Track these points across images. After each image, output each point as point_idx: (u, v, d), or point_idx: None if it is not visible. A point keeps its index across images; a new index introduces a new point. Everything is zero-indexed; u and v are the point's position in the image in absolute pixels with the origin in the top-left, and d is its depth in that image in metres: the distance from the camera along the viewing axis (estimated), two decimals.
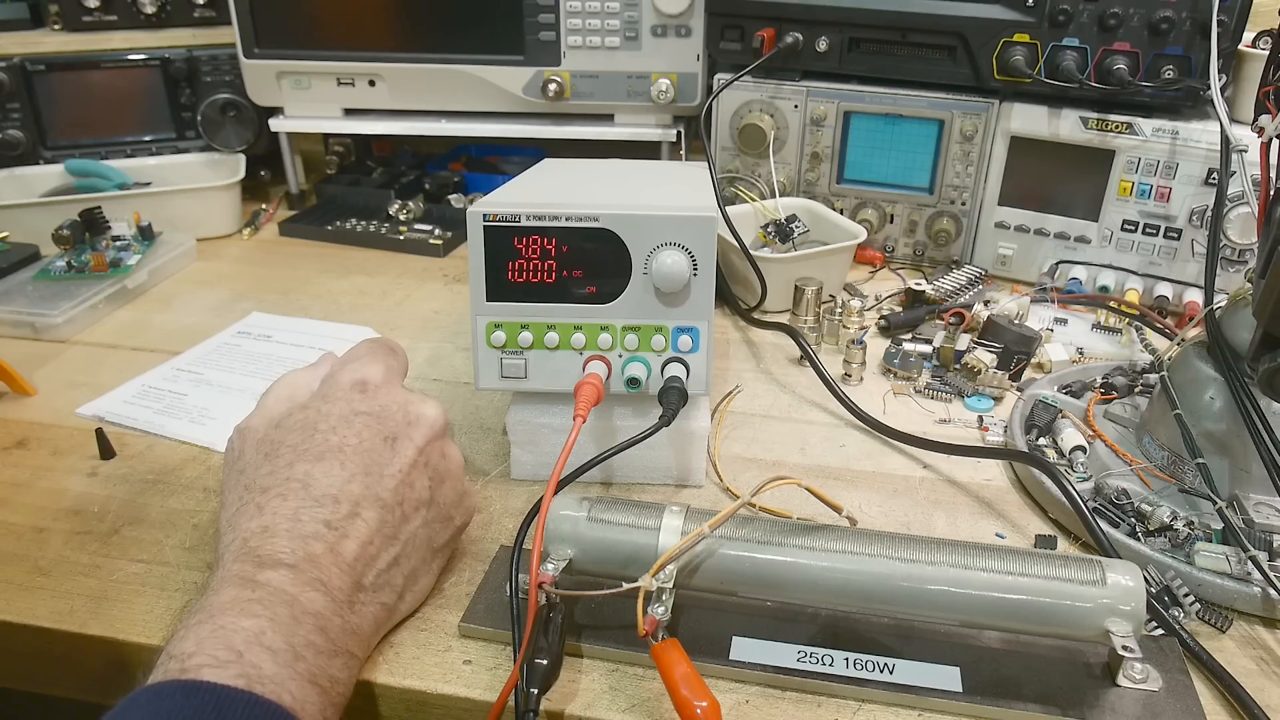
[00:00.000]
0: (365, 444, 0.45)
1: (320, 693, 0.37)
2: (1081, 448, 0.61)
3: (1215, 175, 0.77)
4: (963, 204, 0.90)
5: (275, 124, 1.05)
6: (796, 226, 0.88)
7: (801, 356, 0.74)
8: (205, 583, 0.40)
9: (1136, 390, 0.68)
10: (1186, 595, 0.49)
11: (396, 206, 1.05)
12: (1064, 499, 0.54)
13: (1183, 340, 0.72)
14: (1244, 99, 0.81)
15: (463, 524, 0.51)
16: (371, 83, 1.02)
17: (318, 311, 0.85)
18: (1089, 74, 0.81)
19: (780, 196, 0.92)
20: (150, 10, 1.04)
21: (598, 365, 0.54)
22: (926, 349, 0.75)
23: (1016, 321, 0.78)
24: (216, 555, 0.43)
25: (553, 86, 0.98)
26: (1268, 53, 0.55)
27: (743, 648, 0.46)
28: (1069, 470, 0.60)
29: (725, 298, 0.84)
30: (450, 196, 1.07)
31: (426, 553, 0.47)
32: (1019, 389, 0.71)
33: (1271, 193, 0.53)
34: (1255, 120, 0.56)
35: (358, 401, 0.47)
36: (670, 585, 0.43)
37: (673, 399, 0.54)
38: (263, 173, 1.12)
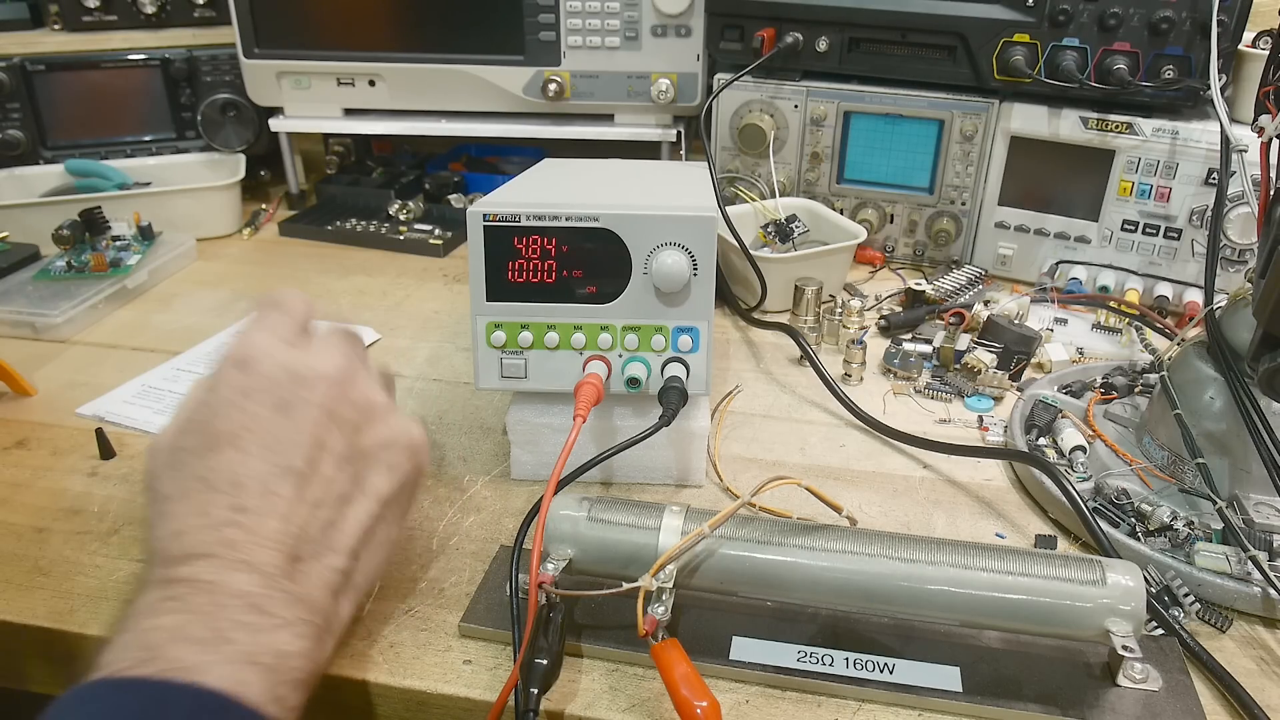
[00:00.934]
0: (257, 420, 0.42)
1: (264, 670, 0.36)
2: (1081, 448, 0.61)
3: (1215, 175, 0.77)
4: (963, 204, 0.90)
5: (275, 124, 1.05)
6: (796, 226, 0.88)
7: (801, 356, 0.74)
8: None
9: (1136, 390, 0.68)
10: (1186, 595, 0.49)
11: (396, 206, 1.05)
12: (1064, 499, 0.54)
13: (1183, 340, 0.72)
14: (1244, 99, 0.81)
15: (413, 464, 0.47)
16: (371, 83, 1.02)
17: (318, 311, 0.84)
18: (1089, 74, 0.81)
19: (780, 196, 0.92)
20: (150, 10, 1.04)
21: (598, 365, 0.54)
22: (926, 349, 0.75)
23: (1016, 321, 0.78)
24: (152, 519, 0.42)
25: (553, 86, 0.98)
26: (1268, 53, 0.55)
27: (743, 648, 0.46)
28: (1069, 470, 0.60)
29: (725, 298, 0.84)
30: (450, 196, 1.07)
31: (374, 505, 0.44)
32: (1019, 389, 0.71)
33: (1271, 193, 0.53)
34: (1255, 120, 0.56)
35: (239, 380, 0.44)
36: (670, 585, 0.43)
37: (673, 399, 0.54)
38: (263, 173, 1.12)
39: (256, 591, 0.38)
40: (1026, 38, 0.82)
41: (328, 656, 0.41)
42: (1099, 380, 0.70)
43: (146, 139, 1.06)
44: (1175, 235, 0.81)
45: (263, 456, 0.41)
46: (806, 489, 0.47)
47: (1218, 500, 0.53)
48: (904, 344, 0.75)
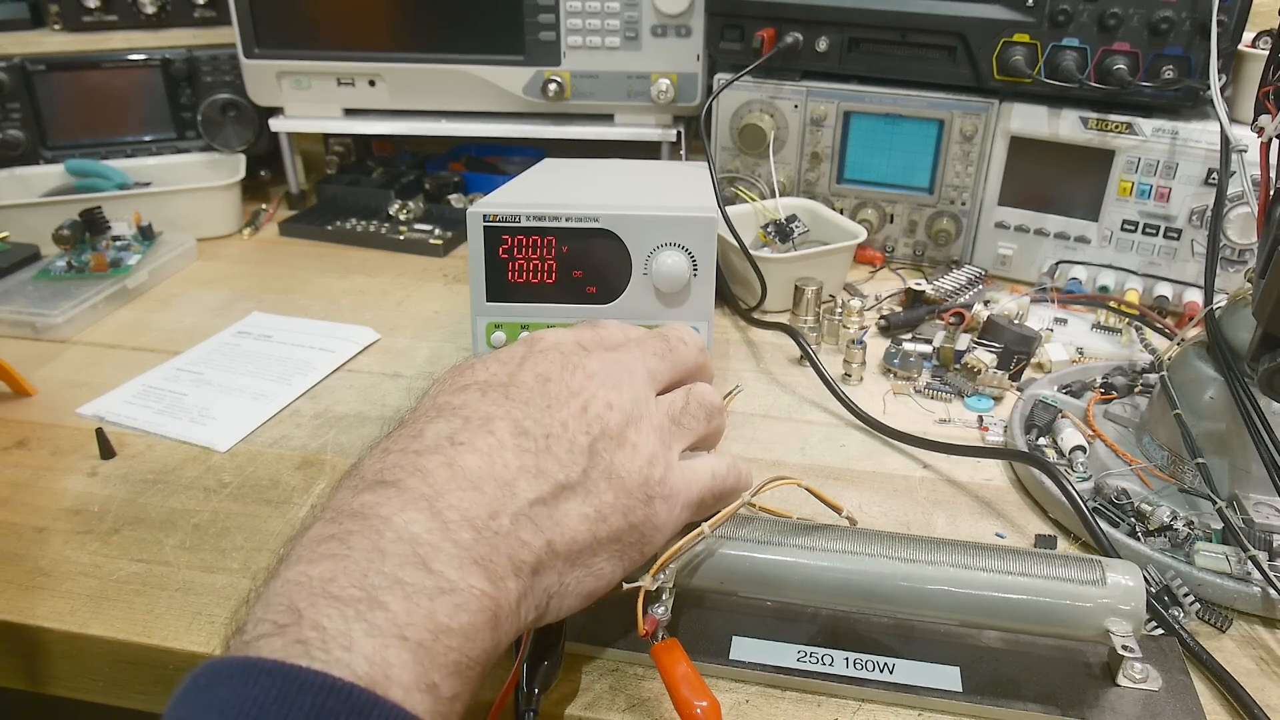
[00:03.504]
0: (515, 379, 0.39)
1: (415, 649, 0.29)
2: (1081, 448, 0.61)
3: (1215, 175, 0.77)
4: (963, 204, 0.90)
5: (275, 124, 1.05)
6: (796, 226, 0.88)
7: (801, 356, 0.74)
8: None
9: (1136, 390, 0.68)
10: (1186, 595, 0.49)
11: (396, 206, 1.05)
12: (1064, 499, 0.54)
13: (1183, 340, 0.72)
14: (1244, 99, 0.81)
15: (647, 515, 0.40)
16: (371, 83, 1.02)
17: (318, 311, 0.85)
18: (1089, 74, 0.81)
19: (780, 196, 0.92)
20: (150, 10, 1.04)
21: None
22: (926, 349, 0.75)
23: (1016, 321, 0.78)
24: None
25: (553, 86, 0.98)
26: (1268, 53, 0.55)
27: (743, 648, 0.46)
28: (1069, 470, 0.60)
29: (725, 298, 0.84)
30: (450, 196, 1.07)
31: (593, 518, 0.38)
32: (1019, 389, 0.71)
33: (1271, 193, 0.53)
34: (1255, 120, 0.56)
35: (517, 350, 0.41)
36: (670, 585, 0.43)
37: None
38: (263, 173, 1.12)
39: (426, 539, 0.32)
40: (1026, 38, 0.82)
41: (498, 649, 0.34)
42: (1099, 380, 0.70)
43: (147, 139, 1.06)
44: (1175, 235, 0.81)
45: (499, 404, 0.37)
46: (806, 489, 0.47)
47: (1218, 500, 0.53)
48: (904, 344, 0.75)
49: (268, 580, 0.31)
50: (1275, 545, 0.51)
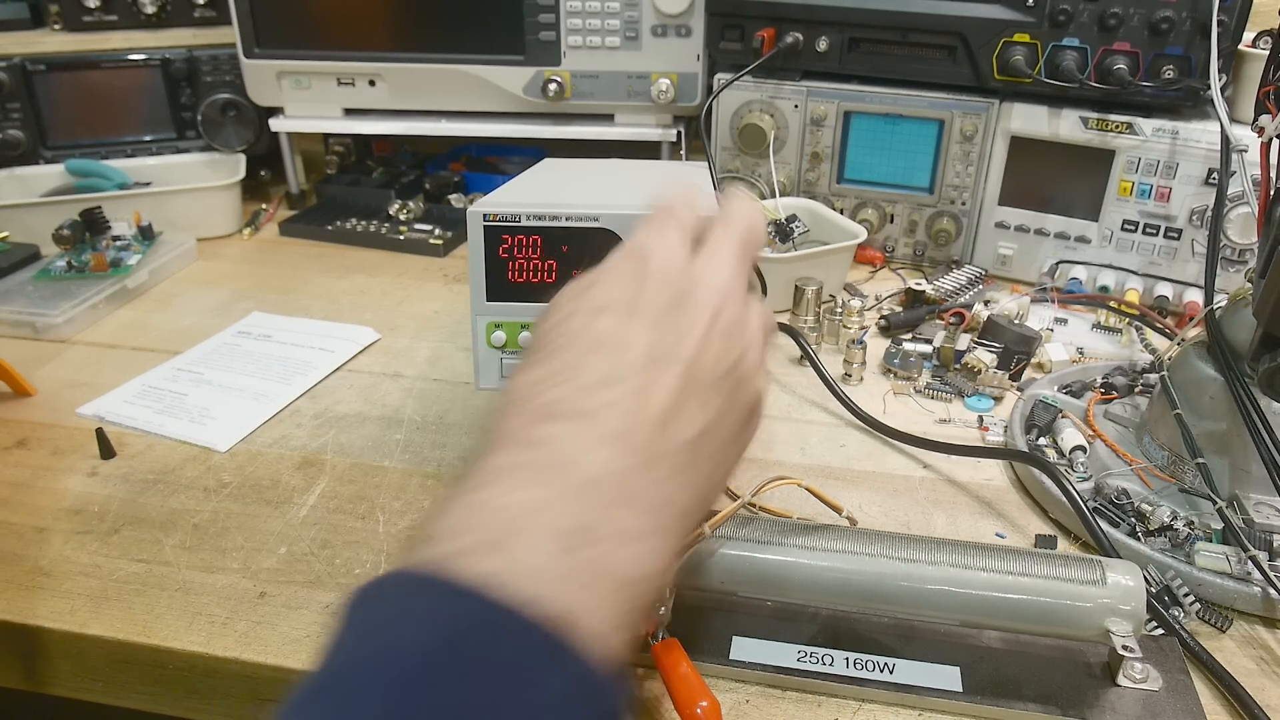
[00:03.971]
0: (647, 299, 0.37)
1: (610, 593, 0.30)
2: (1081, 448, 0.61)
3: (1215, 175, 0.77)
4: (963, 204, 0.90)
5: (275, 124, 1.05)
6: (796, 226, 0.88)
7: (801, 356, 0.74)
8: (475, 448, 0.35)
9: (1136, 390, 0.68)
10: (1186, 595, 0.49)
11: (396, 206, 1.05)
12: (1064, 499, 0.54)
13: (1183, 340, 0.72)
14: (1244, 99, 0.81)
15: (757, 422, 0.41)
16: (372, 83, 1.02)
17: (318, 311, 0.85)
18: (1089, 74, 0.81)
19: (780, 196, 0.92)
20: (150, 10, 1.04)
21: None
22: (926, 349, 0.75)
23: (1016, 321, 0.78)
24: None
25: (553, 86, 0.98)
26: (1268, 53, 0.55)
27: (743, 648, 0.46)
28: (1069, 470, 0.60)
29: None
30: (450, 196, 1.07)
31: (729, 440, 0.38)
32: (1019, 389, 0.71)
33: (1271, 193, 0.53)
34: (1255, 120, 0.56)
35: (631, 266, 0.40)
36: (670, 585, 0.43)
37: None
38: (263, 173, 1.12)
39: (623, 482, 0.32)
40: (1026, 38, 0.82)
41: (662, 588, 0.34)
42: (1099, 380, 0.70)
43: (147, 139, 1.06)
44: (1175, 235, 0.81)
45: (648, 331, 0.36)
46: (806, 489, 0.47)
47: (1218, 500, 0.53)
48: (904, 344, 0.75)
49: (456, 493, 0.31)
50: (1275, 545, 0.51)
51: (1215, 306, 0.61)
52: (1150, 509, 0.54)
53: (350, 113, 1.05)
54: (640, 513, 0.31)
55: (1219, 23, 0.75)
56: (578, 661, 0.27)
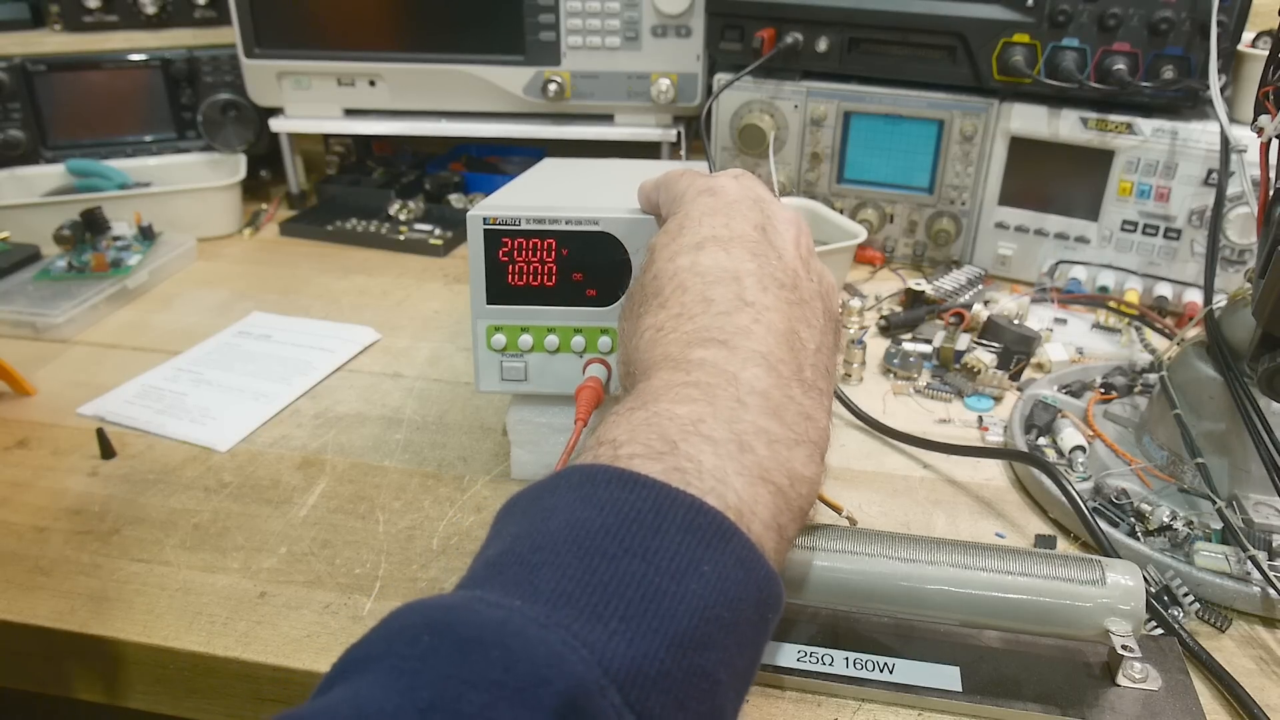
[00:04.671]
0: (738, 231, 0.39)
1: (775, 492, 0.32)
2: (1081, 447, 0.61)
3: (1215, 175, 0.77)
4: (963, 204, 0.90)
5: (275, 124, 1.06)
6: None
7: None
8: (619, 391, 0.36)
9: (1136, 390, 0.69)
10: (1186, 595, 0.49)
11: (397, 206, 1.05)
12: (1064, 499, 0.54)
13: (1182, 340, 0.72)
14: (1244, 99, 0.81)
15: (841, 341, 0.44)
16: (372, 83, 1.02)
17: (318, 311, 0.85)
18: (1089, 74, 0.81)
19: (780, 196, 0.92)
20: (151, 10, 1.04)
21: (598, 368, 0.54)
22: (926, 349, 0.75)
23: (1016, 321, 0.78)
24: (622, 373, 0.40)
25: (553, 86, 0.98)
26: (1267, 53, 0.55)
27: None
28: (1069, 470, 0.60)
29: None
30: (450, 196, 1.07)
31: (830, 349, 0.40)
32: (1019, 389, 0.71)
33: (1271, 193, 0.53)
34: (1255, 120, 0.56)
35: (712, 201, 0.42)
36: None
37: None
38: (263, 173, 1.12)
39: (775, 394, 0.34)
40: (1026, 38, 0.82)
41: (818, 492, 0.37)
42: (1099, 380, 0.70)
43: (147, 139, 1.06)
44: (1175, 235, 0.81)
45: (751, 260, 0.38)
46: None
47: (1217, 500, 0.53)
48: (904, 344, 0.75)
49: (623, 409, 0.34)
50: (1275, 545, 0.51)
51: (1215, 306, 0.61)
52: (1150, 509, 0.54)
53: (350, 113, 1.05)
54: (789, 423, 0.34)
55: (1218, 23, 0.75)
56: (747, 546, 0.29)
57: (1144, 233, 0.83)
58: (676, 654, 0.26)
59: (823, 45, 0.88)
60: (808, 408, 0.35)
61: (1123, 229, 0.83)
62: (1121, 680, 0.44)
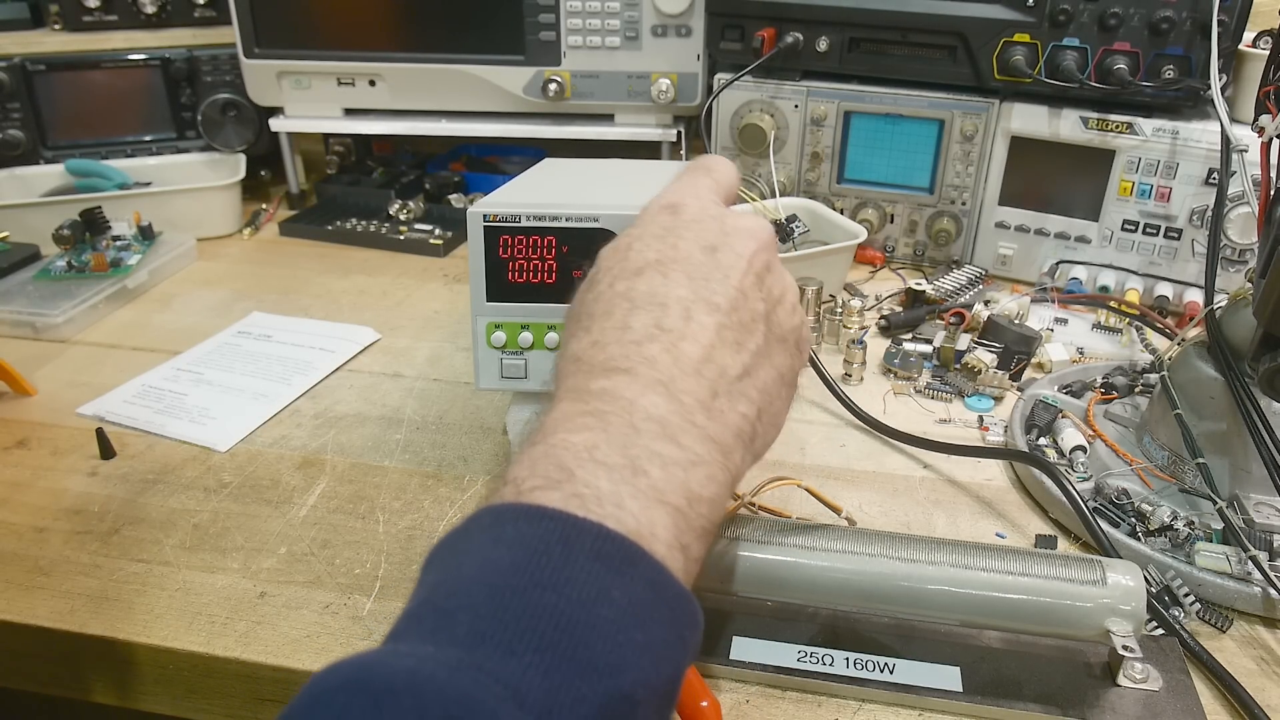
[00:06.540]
0: (683, 253, 0.40)
1: (673, 513, 0.33)
2: (1082, 448, 0.61)
3: (1215, 175, 0.77)
4: (963, 204, 0.90)
5: (275, 124, 1.05)
6: (796, 226, 0.88)
7: None
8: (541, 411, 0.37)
9: (1137, 390, 0.68)
10: (1186, 595, 0.49)
11: (397, 206, 1.05)
12: (1064, 499, 0.54)
13: (1183, 340, 0.72)
14: (1244, 99, 0.81)
15: (803, 360, 0.45)
16: (372, 83, 1.02)
17: (318, 311, 0.85)
18: (1089, 74, 0.81)
19: (780, 196, 0.92)
20: (150, 10, 1.04)
21: None
22: (926, 349, 0.75)
23: (1016, 321, 0.78)
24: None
25: (553, 86, 0.98)
26: (1268, 53, 0.55)
27: (743, 648, 0.46)
28: (1069, 470, 0.60)
29: None
30: (450, 196, 1.07)
31: (775, 377, 0.41)
32: (1019, 389, 0.71)
33: (1271, 193, 0.53)
34: (1255, 120, 0.56)
35: (667, 219, 0.42)
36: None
37: None
38: (263, 172, 1.12)
39: (672, 420, 0.35)
40: (1027, 38, 0.82)
41: (725, 512, 0.38)
42: (1099, 380, 0.70)
43: (147, 139, 1.06)
44: (1175, 235, 0.81)
45: (686, 285, 0.39)
46: (806, 489, 0.47)
47: (1218, 500, 0.53)
48: (904, 344, 0.75)
49: (526, 446, 0.34)
50: (1276, 545, 0.51)
51: (1215, 306, 0.61)
52: (1150, 509, 0.54)
53: (350, 113, 1.05)
54: (689, 445, 0.34)
55: (1219, 23, 0.75)
56: (655, 569, 0.30)
57: (1145, 233, 0.83)
58: (592, 680, 0.27)
59: (823, 45, 0.88)
60: (713, 431, 0.36)
61: (1123, 229, 0.83)
62: (1122, 680, 0.44)
